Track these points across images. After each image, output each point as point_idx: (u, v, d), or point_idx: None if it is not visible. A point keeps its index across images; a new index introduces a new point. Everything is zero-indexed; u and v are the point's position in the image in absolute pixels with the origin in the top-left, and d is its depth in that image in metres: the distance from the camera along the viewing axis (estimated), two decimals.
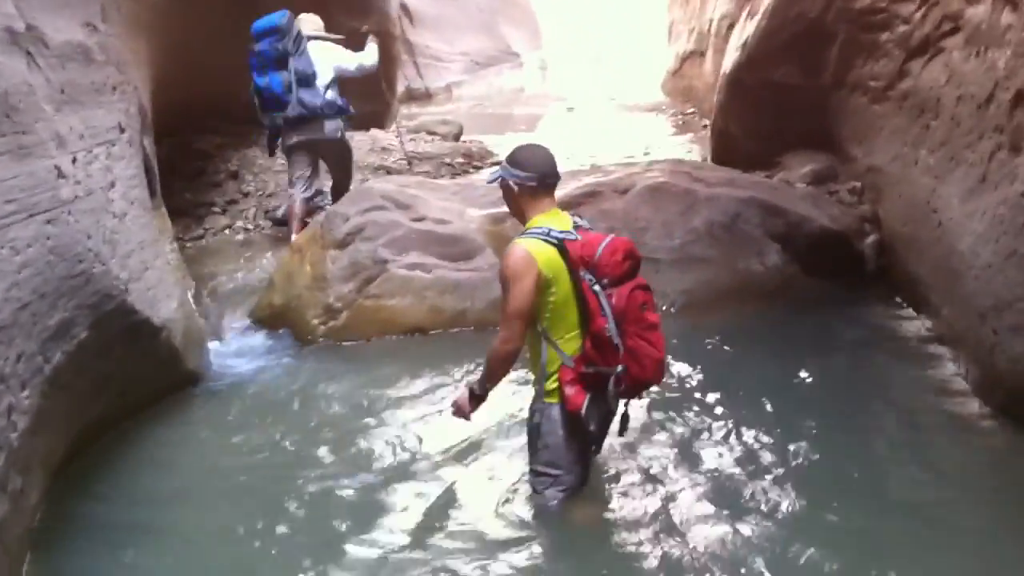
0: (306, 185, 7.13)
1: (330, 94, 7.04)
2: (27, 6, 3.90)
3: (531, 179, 3.28)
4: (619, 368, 3.17)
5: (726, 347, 5.38)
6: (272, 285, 6.00)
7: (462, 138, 11.86)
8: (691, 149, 10.71)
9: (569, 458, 3.38)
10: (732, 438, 4.21)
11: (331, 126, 7.06)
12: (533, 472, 3.48)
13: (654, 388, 3.99)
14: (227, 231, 7.30)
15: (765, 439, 4.17)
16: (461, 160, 10.18)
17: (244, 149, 8.70)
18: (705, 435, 4.26)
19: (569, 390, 3.24)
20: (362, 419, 4.53)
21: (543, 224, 3.25)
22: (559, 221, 3.29)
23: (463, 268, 5.87)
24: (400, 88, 13.91)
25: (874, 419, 4.45)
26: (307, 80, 6.88)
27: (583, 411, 3.22)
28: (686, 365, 5.06)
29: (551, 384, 3.30)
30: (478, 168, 10.09)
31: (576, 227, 3.32)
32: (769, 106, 8.07)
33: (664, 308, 5.83)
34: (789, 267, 6.17)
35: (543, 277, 3.15)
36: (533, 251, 3.16)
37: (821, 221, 6.27)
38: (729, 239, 6.10)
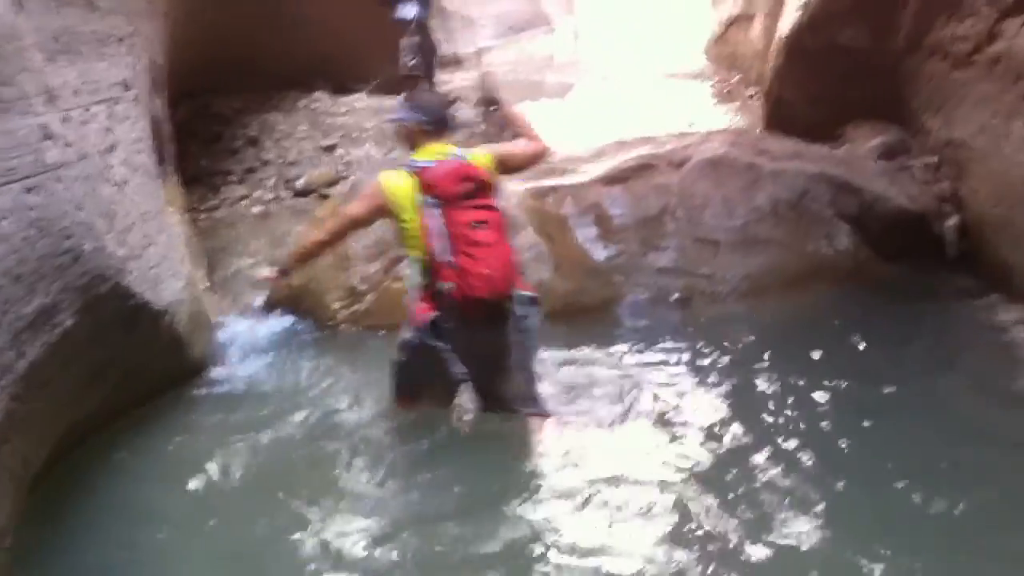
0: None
1: None
2: None
3: (427, 123, 3.66)
4: (448, 284, 3.42)
5: (792, 338, 4.81)
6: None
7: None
8: (738, 119, 10.04)
9: (418, 364, 3.65)
10: (799, 440, 3.69)
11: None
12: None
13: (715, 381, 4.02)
14: (244, 202, 6.80)
15: (839, 442, 3.69)
16: (494, 128, 9.58)
17: (265, 114, 8.19)
18: (770, 439, 3.73)
19: (413, 306, 3.58)
20: (383, 421, 3.99)
21: (416, 157, 3.60)
22: (434, 153, 3.58)
23: None
24: None
25: (971, 424, 3.86)
26: None
27: (425, 326, 3.50)
28: (748, 357, 4.53)
29: (412, 306, 3.61)
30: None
31: (446, 157, 3.55)
32: (832, 72, 7.39)
33: (724, 294, 5.28)
34: (861, 251, 5.58)
35: (390, 203, 3.55)
36: (385, 182, 3.58)
37: (898, 200, 5.67)
38: (796, 219, 5.51)
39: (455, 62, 15.76)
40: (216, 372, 4.52)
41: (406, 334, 3.66)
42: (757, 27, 11.67)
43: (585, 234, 5.48)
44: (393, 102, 9.84)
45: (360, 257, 5.25)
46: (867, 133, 6.99)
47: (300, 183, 7.04)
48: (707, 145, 5.92)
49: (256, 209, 6.73)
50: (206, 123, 7.68)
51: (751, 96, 11.09)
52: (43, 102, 3.17)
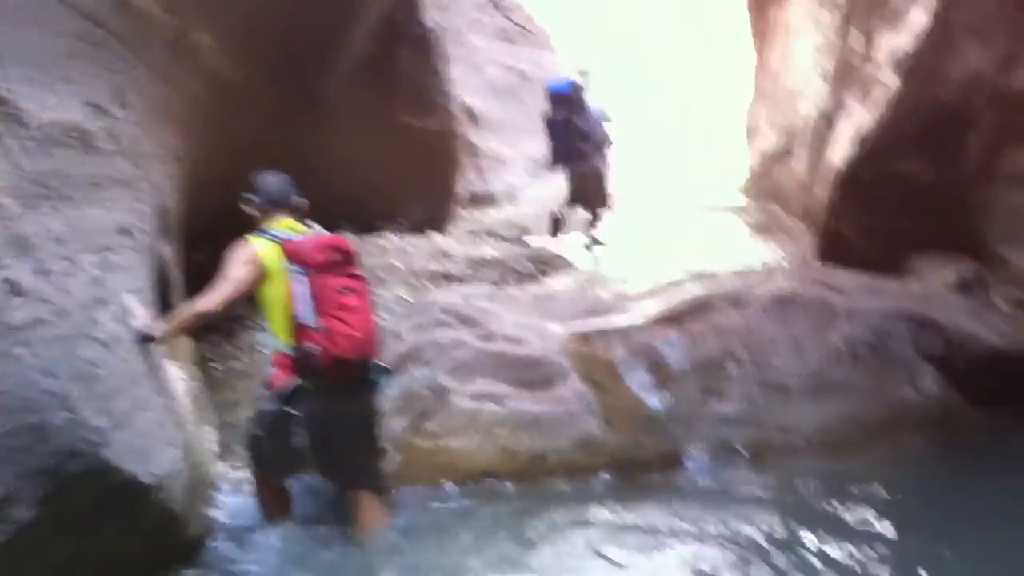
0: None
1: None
2: (4, 74, 3.07)
3: (262, 204, 3.97)
4: (314, 346, 3.55)
5: (876, 497, 4.11)
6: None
7: (528, 240, 10.89)
8: (786, 253, 9.54)
9: (274, 436, 3.70)
10: None
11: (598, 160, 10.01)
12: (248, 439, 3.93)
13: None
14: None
15: None
16: (530, 265, 9.14)
17: None
18: None
19: (273, 371, 3.69)
20: None
21: (267, 228, 3.82)
22: (291, 228, 3.84)
23: (543, 399, 4.74)
24: (462, 191, 13.10)
25: None
26: (585, 136, 9.69)
27: (283, 391, 3.62)
28: (827, 522, 3.87)
29: (273, 371, 3.71)
30: (546, 273, 9.03)
31: (307, 232, 3.84)
32: (892, 204, 6.95)
33: (797, 447, 4.63)
34: (949, 395, 4.94)
35: (263, 266, 3.66)
36: (254, 242, 3.74)
37: (988, 339, 5.05)
38: (876, 361, 4.91)
39: (488, 199, 15.63)
40: (212, 552, 3.88)
41: (265, 404, 3.76)
42: (801, 162, 11.35)
43: (639, 381, 4.89)
44: (420, 240, 9.57)
45: (386, 412, 4.68)
46: (937, 266, 6.46)
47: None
48: (772, 283, 5.38)
49: None
50: None
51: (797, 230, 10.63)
52: (14, 254, 2.73)
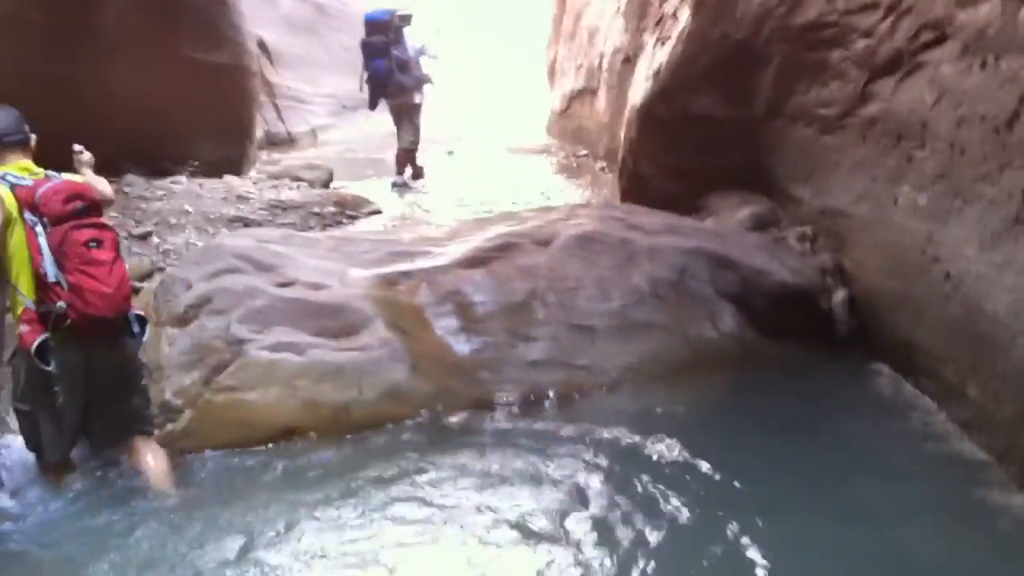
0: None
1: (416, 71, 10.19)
2: None
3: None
4: (60, 303, 3.34)
5: (682, 434, 4.15)
6: None
7: (332, 184, 10.49)
8: (592, 192, 9.66)
9: (35, 397, 3.49)
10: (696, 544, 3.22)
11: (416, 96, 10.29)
12: (14, 410, 3.65)
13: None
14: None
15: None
16: (333, 209, 8.78)
17: None
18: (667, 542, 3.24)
19: (23, 328, 3.40)
20: None
21: (2, 170, 3.44)
22: (24, 170, 3.49)
23: (346, 346, 4.49)
24: (259, 133, 12.43)
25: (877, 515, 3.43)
26: (403, 66, 10.00)
27: (33, 348, 3.34)
28: (631, 457, 3.92)
29: (22, 327, 3.42)
30: (353, 218, 8.72)
31: (43, 176, 3.50)
32: (689, 142, 7.05)
33: (603, 387, 4.64)
34: (747, 331, 5.10)
35: (6, 212, 3.32)
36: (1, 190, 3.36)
37: (781, 275, 5.24)
38: (677, 300, 4.97)
39: (290, 141, 14.94)
40: None
41: (19, 366, 3.52)
42: (601, 101, 11.49)
43: (445, 326, 4.74)
44: (215, 183, 8.99)
45: (175, 365, 4.31)
46: (731, 204, 6.64)
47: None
48: (574, 221, 5.35)
49: None
50: None
51: (601, 169, 10.81)
52: None
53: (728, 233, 5.64)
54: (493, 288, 4.88)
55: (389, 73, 9.93)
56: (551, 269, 4.94)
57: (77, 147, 4.13)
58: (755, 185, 6.63)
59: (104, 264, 3.45)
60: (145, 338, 3.73)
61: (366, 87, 10.28)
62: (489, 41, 24.86)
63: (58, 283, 3.36)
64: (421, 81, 10.34)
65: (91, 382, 3.58)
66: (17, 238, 3.36)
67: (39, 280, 3.37)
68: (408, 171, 10.68)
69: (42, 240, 3.35)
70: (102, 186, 3.97)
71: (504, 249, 5.11)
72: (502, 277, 4.93)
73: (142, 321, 3.72)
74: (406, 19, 10.28)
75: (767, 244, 5.59)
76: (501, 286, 4.89)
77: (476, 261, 5.04)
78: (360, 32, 10.49)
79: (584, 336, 4.78)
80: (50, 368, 3.39)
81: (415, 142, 10.54)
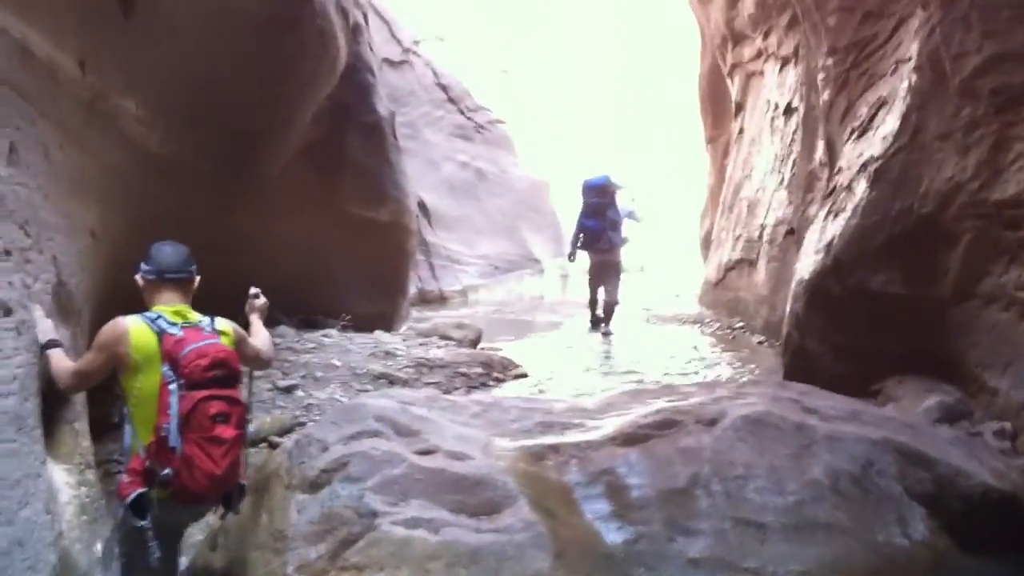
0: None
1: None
2: None
3: (150, 273, 3.49)
4: (168, 470, 3.14)
5: None
6: (212, 539, 4.25)
7: (480, 345, 10.36)
8: (749, 367, 9.11)
9: (131, 550, 3.31)
10: None
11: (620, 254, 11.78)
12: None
13: None
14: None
15: None
16: (479, 370, 8.58)
17: None
18: None
19: (124, 477, 3.27)
20: None
21: (158, 311, 3.38)
22: (177, 314, 3.39)
23: (486, 527, 4.08)
24: (412, 289, 12.62)
25: None
26: (614, 226, 11.41)
27: (128, 500, 3.19)
28: None
29: (123, 476, 3.31)
30: (499, 381, 8.48)
31: (194, 325, 3.38)
32: (862, 319, 6.55)
33: None
34: (940, 539, 4.38)
35: (131, 358, 3.24)
36: (132, 328, 3.27)
37: (981, 476, 4.54)
38: (861, 498, 4.35)
39: (440, 299, 15.14)
40: None
41: (119, 518, 3.38)
42: (760, 273, 11.08)
43: (595, 510, 4.28)
44: (364, 338, 8.98)
45: (301, 536, 4.00)
46: (914, 391, 6.01)
47: (249, 431, 5.89)
48: (742, 400, 4.85)
49: None
50: None
51: (760, 343, 10.26)
52: None
53: (918, 425, 5.00)
54: (651, 470, 4.42)
55: (602, 231, 11.21)
56: (717, 453, 4.44)
57: (254, 290, 4.07)
58: (940, 372, 6.00)
59: (224, 443, 3.26)
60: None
61: (568, 241, 11.88)
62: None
63: (173, 449, 3.17)
64: (625, 241, 11.79)
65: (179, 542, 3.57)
66: (148, 388, 3.24)
67: (158, 438, 3.19)
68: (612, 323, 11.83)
69: (173, 400, 3.18)
70: (266, 346, 3.91)
71: (664, 427, 4.66)
72: (661, 459, 4.46)
73: (242, 491, 3.63)
74: (618, 186, 11.82)
75: (962, 440, 4.92)
76: (660, 469, 4.42)
77: (632, 438, 4.61)
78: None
79: (753, 533, 4.20)
80: (144, 523, 3.23)
81: (618, 296, 11.78)
